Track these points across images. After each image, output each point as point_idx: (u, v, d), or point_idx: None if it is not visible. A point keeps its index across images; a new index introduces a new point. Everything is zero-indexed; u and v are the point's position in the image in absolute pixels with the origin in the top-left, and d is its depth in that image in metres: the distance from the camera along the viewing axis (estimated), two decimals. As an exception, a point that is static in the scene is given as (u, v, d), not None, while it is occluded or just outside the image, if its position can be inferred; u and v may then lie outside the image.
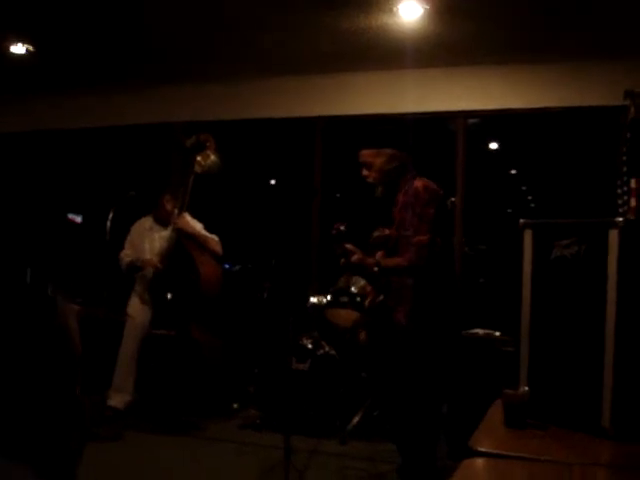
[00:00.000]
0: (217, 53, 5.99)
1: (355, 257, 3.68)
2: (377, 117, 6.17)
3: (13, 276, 0.80)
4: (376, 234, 4.87)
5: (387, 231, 4.36)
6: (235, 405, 5.64)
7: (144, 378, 5.34)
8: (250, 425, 5.27)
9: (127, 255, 5.61)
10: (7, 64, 6.32)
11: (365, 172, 3.83)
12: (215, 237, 5.56)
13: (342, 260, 3.77)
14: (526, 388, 2.67)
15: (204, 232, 5.56)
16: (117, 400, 5.33)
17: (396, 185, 3.79)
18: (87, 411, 0.83)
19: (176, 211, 5.40)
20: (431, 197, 3.63)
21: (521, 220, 2.83)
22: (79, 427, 0.78)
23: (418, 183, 3.66)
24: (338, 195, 7.47)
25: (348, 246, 3.72)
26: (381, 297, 3.94)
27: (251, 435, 5.10)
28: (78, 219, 8.14)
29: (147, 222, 5.72)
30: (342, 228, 3.79)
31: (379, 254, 3.82)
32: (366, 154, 3.83)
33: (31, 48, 5.95)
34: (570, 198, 6.47)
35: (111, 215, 5.29)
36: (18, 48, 5.95)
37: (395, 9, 4.91)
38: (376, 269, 3.66)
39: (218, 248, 5.52)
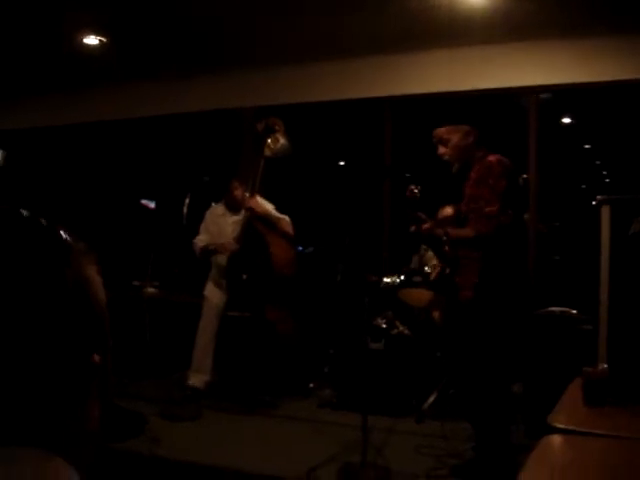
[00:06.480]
0: (284, 37, 6.02)
1: (425, 226, 3.79)
2: (446, 95, 6.12)
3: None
4: (444, 212, 4.90)
5: (450, 210, 4.36)
6: (311, 384, 5.71)
7: (222, 359, 5.46)
8: (326, 404, 5.34)
9: (201, 240, 5.70)
10: (80, 56, 6.47)
11: (442, 149, 3.84)
12: (286, 217, 5.60)
13: (413, 227, 3.84)
14: (605, 365, 2.65)
15: (275, 213, 5.63)
16: (196, 380, 5.46)
17: (470, 161, 3.80)
18: (111, 388, 0.68)
19: (247, 195, 5.47)
20: (504, 170, 3.67)
21: (598, 196, 2.80)
22: (98, 404, 0.66)
23: (492, 157, 3.70)
24: (408, 175, 7.45)
25: (420, 214, 3.81)
26: (447, 270, 3.96)
27: (328, 414, 5.17)
28: (152, 205, 8.31)
29: (219, 209, 5.81)
30: (416, 191, 3.83)
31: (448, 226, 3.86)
32: (442, 131, 3.85)
33: (104, 39, 6.08)
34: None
35: (187, 200, 5.39)
36: (91, 39, 6.09)
37: (463, -14, 4.87)
38: (445, 238, 3.70)
39: (289, 229, 5.56)
